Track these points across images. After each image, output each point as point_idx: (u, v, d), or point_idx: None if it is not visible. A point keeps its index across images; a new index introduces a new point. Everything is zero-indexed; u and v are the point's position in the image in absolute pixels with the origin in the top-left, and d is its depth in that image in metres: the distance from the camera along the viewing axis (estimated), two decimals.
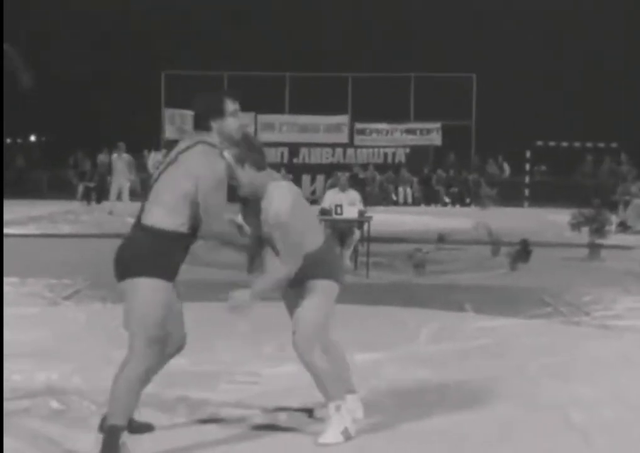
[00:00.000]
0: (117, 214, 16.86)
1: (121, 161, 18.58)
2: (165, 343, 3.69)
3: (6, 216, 16.19)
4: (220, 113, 3.71)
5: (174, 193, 3.59)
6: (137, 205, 3.85)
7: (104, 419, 3.68)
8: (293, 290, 4.00)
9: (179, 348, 3.88)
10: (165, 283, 3.62)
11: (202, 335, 6.00)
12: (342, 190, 10.46)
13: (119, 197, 18.35)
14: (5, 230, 13.89)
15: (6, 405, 4.26)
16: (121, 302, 3.71)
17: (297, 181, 24.44)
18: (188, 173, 3.58)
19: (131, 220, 3.83)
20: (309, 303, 3.94)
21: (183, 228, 3.61)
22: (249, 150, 3.85)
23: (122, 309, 3.69)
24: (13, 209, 19.14)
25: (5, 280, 8.60)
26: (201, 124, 3.74)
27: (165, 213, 3.59)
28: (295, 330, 3.92)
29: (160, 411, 4.28)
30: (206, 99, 3.79)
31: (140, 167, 24.18)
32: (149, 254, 3.59)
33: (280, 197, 3.84)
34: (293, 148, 24.79)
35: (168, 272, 3.64)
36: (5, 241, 12.60)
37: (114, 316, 6.16)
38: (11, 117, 26.90)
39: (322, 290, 3.97)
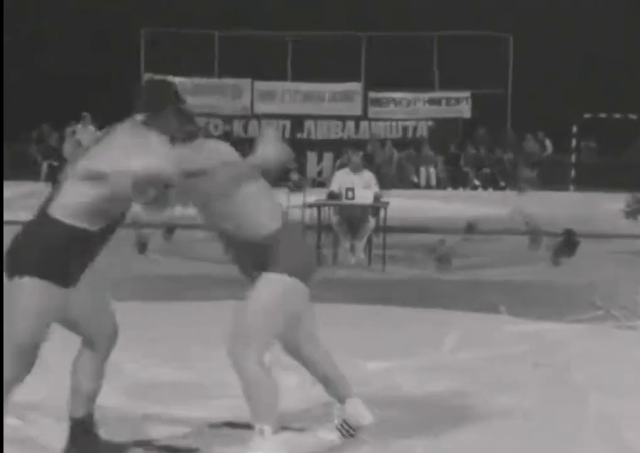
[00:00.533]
0: None
1: (86, 134, 18.57)
2: (91, 344, 3.92)
3: None
4: None
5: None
6: None
7: None
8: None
9: (112, 343, 4.01)
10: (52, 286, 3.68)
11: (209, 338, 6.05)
12: (354, 171, 10.46)
13: None
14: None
15: None
16: None
17: (301, 159, 24.48)
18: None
19: None
20: (251, 303, 3.85)
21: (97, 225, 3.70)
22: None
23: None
24: None
25: None
26: None
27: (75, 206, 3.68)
28: (231, 334, 3.84)
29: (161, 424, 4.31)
30: None
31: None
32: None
33: None
34: (297, 121, 24.79)
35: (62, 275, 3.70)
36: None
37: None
38: None
39: (269, 287, 3.86)
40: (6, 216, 14.28)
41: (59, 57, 25.79)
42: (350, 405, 4.19)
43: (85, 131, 18.65)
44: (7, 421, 3.91)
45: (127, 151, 3.64)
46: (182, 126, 3.89)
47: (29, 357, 3.76)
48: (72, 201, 3.68)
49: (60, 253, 3.66)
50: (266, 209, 4.01)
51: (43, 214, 3.70)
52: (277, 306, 3.84)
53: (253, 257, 3.89)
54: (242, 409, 3.89)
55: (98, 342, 3.94)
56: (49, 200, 3.75)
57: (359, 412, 4.18)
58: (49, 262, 3.65)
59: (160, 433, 4.27)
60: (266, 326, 3.83)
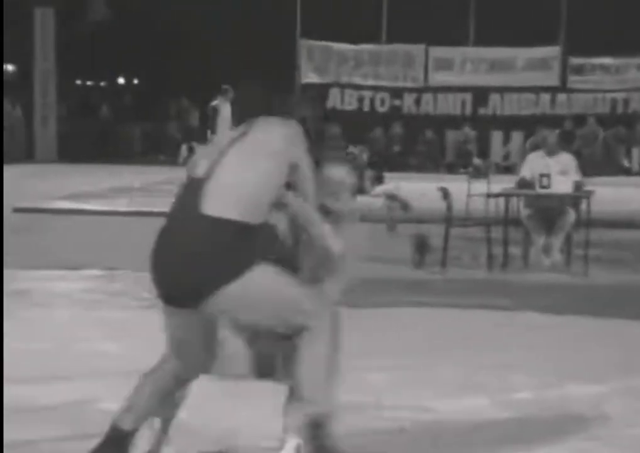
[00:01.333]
0: None
1: (226, 110, 18.91)
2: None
3: (88, 187, 16.91)
4: None
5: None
6: None
7: None
8: None
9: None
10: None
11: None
12: (550, 154, 10.31)
13: None
14: (86, 206, 14.51)
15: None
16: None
17: (485, 139, 24.32)
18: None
19: None
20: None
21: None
22: None
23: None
24: (97, 176, 19.97)
25: (87, 273, 8.98)
26: None
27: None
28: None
29: None
30: None
31: None
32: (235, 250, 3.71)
33: None
34: (480, 94, 24.65)
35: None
36: (85, 220, 13.24)
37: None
38: (90, 55, 28.13)
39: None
40: (144, 205, 14.77)
41: (204, 29, 26.51)
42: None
43: (225, 107, 18.96)
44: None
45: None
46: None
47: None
48: (236, 192, 3.72)
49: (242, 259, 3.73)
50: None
51: (201, 214, 3.71)
52: None
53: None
54: None
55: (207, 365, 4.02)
56: (199, 193, 3.74)
57: None
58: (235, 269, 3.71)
59: None
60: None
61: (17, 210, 13.78)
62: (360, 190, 4.59)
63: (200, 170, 3.79)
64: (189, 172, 3.87)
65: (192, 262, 3.67)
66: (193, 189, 3.77)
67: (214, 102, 18.85)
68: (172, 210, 3.89)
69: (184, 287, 3.76)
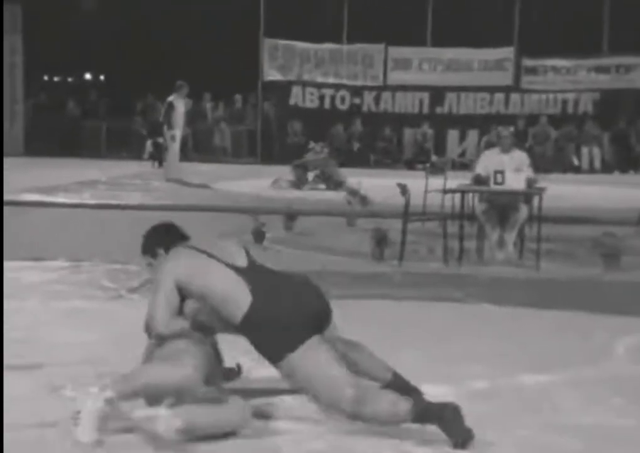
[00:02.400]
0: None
1: (181, 106, 18.80)
2: None
3: (54, 181, 16.78)
4: None
5: None
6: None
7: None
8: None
9: None
10: None
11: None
12: (504, 151, 10.33)
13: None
14: (52, 198, 14.41)
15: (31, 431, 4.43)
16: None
17: (441, 137, 24.36)
18: None
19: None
20: None
21: None
22: None
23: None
24: (63, 170, 19.83)
25: (54, 264, 8.92)
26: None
27: None
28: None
29: None
30: None
31: (232, 116, 24.66)
32: None
33: None
34: (437, 93, 24.68)
35: None
36: (53, 212, 13.15)
37: None
38: (60, 50, 27.92)
39: None
40: (110, 199, 14.73)
41: (169, 27, 26.36)
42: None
43: (179, 102, 18.84)
44: None
45: None
46: None
47: None
48: None
49: None
50: None
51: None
52: None
53: None
54: None
55: None
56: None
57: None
58: None
59: None
60: None
61: None
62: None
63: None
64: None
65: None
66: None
67: (170, 98, 18.74)
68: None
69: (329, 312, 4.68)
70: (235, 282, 4.46)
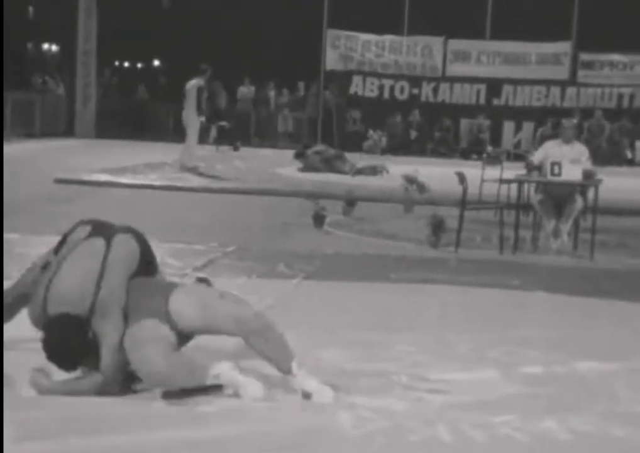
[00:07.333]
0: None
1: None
2: None
3: (123, 162, 16.87)
4: None
5: None
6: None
7: None
8: None
9: None
10: None
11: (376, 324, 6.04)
12: (566, 141, 10.17)
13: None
14: (118, 179, 14.49)
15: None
16: None
17: (497, 128, 24.16)
18: None
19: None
20: None
21: None
22: None
23: None
24: (130, 152, 19.95)
25: None
26: None
27: None
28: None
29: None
30: None
31: (295, 103, 24.59)
32: None
33: None
34: (494, 86, 24.45)
35: None
36: (118, 193, 13.21)
37: (261, 295, 6.30)
38: (131, 37, 28.07)
39: None
40: (175, 181, 14.77)
41: (235, 18, 26.38)
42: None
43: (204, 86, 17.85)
44: None
45: None
46: None
47: None
48: None
49: None
50: None
51: None
52: None
53: None
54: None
55: None
56: None
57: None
58: None
59: None
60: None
61: (58, 181, 13.83)
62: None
63: None
64: None
65: None
66: None
67: (199, 83, 17.41)
68: None
69: None
70: None
